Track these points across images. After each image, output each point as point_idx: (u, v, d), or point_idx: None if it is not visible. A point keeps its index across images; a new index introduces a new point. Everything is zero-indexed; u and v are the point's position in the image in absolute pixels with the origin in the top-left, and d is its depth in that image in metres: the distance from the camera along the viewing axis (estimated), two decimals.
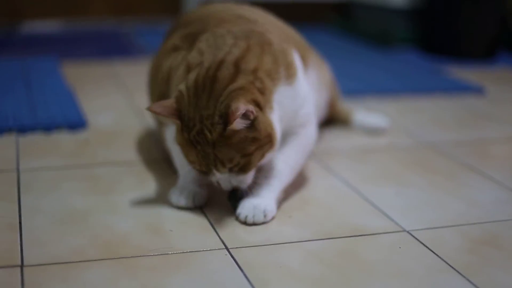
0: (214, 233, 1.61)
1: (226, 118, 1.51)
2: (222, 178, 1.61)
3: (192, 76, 1.60)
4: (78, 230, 1.59)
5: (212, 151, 1.55)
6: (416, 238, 1.63)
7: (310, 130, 1.83)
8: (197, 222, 1.67)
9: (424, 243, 1.61)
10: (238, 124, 1.52)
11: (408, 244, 1.61)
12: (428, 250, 1.58)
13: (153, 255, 1.50)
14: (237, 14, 1.85)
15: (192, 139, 1.57)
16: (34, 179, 1.88)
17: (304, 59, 1.89)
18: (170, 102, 1.59)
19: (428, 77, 3.26)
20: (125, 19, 4.23)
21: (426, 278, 1.46)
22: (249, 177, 1.63)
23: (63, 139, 2.22)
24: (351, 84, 3.01)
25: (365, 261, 1.52)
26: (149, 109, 1.58)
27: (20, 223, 1.62)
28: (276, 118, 1.64)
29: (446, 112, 2.74)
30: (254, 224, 1.65)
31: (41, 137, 2.23)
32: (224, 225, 1.65)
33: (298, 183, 1.93)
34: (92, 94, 2.67)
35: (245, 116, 1.52)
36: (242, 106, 1.49)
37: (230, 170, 1.59)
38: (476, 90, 3.04)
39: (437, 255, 1.55)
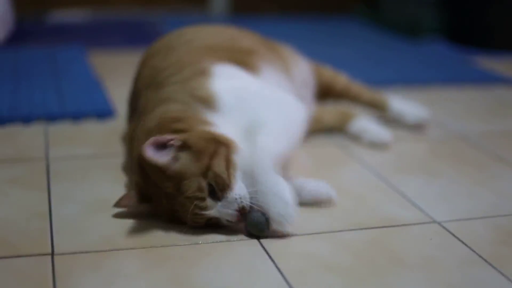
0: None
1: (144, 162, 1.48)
2: (218, 211, 1.50)
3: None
4: (108, 219, 1.59)
5: (181, 198, 1.49)
6: (447, 230, 1.62)
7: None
8: None
9: (455, 235, 1.60)
10: (159, 156, 1.47)
11: (439, 235, 1.60)
12: (459, 242, 1.57)
13: (183, 245, 1.50)
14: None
15: (168, 207, 1.52)
16: (63, 167, 1.88)
17: (248, 64, 1.84)
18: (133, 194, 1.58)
19: (457, 67, 3.24)
20: (151, 8, 4.23)
21: (457, 270, 1.45)
22: (239, 189, 1.51)
23: (91, 127, 2.22)
24: (380, 74, 3.00)
25: (396, 252, 1.51)
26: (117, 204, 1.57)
27: (50, 211, 1.62)
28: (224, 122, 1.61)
29: (476, 102, 2.72)
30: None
31: (69, 126, 2.23)
32: None
33: (328, 172, 1.93)
34: (119, 83, 2.67)
35: (161, 146, 1.48)
36: (147, 144, 1.45)
37: (213, 197, 1.50)
38: (506, 81, 3.02)
39: (468, 247, 1.54)
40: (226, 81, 1.71)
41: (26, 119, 2.25)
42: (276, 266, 1.42)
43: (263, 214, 1.50)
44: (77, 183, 1.79)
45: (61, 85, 2.62)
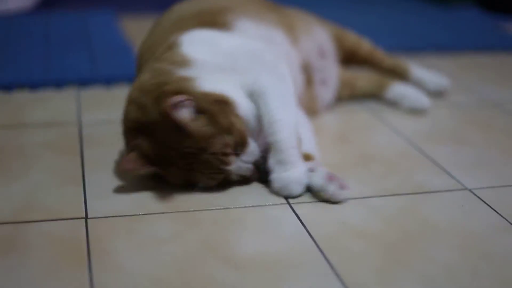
0: None
1: (172, 121, 1.47)
2: (239, 167, 1.56)
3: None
4: (140, 183, 1.60)
5: (207, 155, 1.51)
6: (478, 197, 1.62)
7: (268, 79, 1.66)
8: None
9: (487, 202, 1.59)
10: (183, 113, 1.47)
11: (470, 202, 1.60)
12: (491, 209, 1.56)
13: (215, 209, 1.51)
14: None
15: (184, 167, 1.53)
16: (96, 132, 1.90)
17: (217, 23, 1.79)
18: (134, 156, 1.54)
19: (488, 34, 3.20)
20: None
21: (489, 237, 1.45)
22: (252, 144, 1.57)
23: (123, 92, 2.22)
24: (410, 40, 2.98)
25: (427, 219, 1.51)
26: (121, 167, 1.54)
27: (83, 176, 1.64)
28: (214, 79, 1.59)
29: (507, 69, 2.70)
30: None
31: (101, 90, 2.24)
32: None
33: (359, 139, 1.93)
34: None
35: (182, 105, 1.48)
36: (170, 104, 1.45)
37: (236, 154, 1.54)
38: None
39: (500, 214, 1.54)
40: (195, 44, 1.68)
41: (58, 84, 2.27)
42: (308, 231, 1.43)
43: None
44: (110, 147, 1.80)
45: (92, 49, 2.63)
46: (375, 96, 2.24)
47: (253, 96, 1.60)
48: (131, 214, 1.47)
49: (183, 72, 1.58)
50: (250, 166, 1.57)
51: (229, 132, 1.51)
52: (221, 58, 1.64)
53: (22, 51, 2.60)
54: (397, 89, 2.22)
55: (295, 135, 1.58)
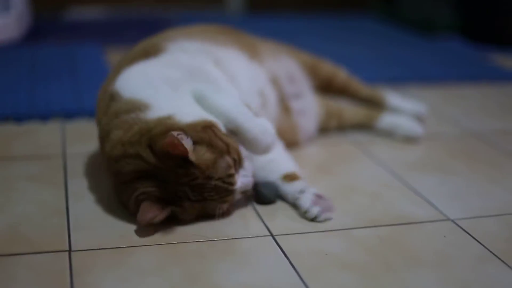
0: (259, 220, 1.62)
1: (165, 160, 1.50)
2: (241, 181, 1.58)
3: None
4: (124, 215, 1.60)
5: (215, 181, 1.52)
6: (460, 227, 1.63)
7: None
8: (243, 210, 1.67)
9: (469, 232, 1.60)
10: (187, 144, 1.48)
11: (453, 233, 1.61)
12: (473, 239, 1.57)
13: (198, 241, 1.51)
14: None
15: (196, 199, 1.53)
16: (80, 164, 1.90)
17: (152, 51, 1.79)
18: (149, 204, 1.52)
19: (472, 65, 3.23)
20: (167, 5, 4.24)
21: (471, 267, 1.46)
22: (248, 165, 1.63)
23: None
24: (394, 71, 3.00)
25: (410, 249, 1.52)
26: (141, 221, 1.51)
27: (67, 208, 1.64)
28: (179, 104, 1.60)
29: (491, 100, 2.72)
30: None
31: (86, 123, 2.25)
32: (269, 212, 1.66)
33: (342, 170, 1.94)
34: None
35: (181, 138, 1.48)
36: (169, 137, 1.46)
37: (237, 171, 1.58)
38: None
39: (482, 245, 1.55)
40: (132, 86, 1.67)
41: (44, 116, 2.27)
42: (291, 263, 1.43)
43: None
44: (94, 180, 1.80)
45: (78, 82, 2.63)
46: (364, 126, 2.26)
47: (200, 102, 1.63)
48: (115, 246, 1.47)
49: (151, 114, 1.58)
50: (250, 179, 1.60)
51: (227, 152, 1.54)
52: (162, 85, 1.65)
53: (8, 82, 2.61)
54: (388, 119, 2.25)
55: (242, 106, 1.64)
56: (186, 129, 1.51)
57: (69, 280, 1.34)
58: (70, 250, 1.46)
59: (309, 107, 2.13)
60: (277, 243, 1.51)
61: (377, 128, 2.25)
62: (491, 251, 1.52)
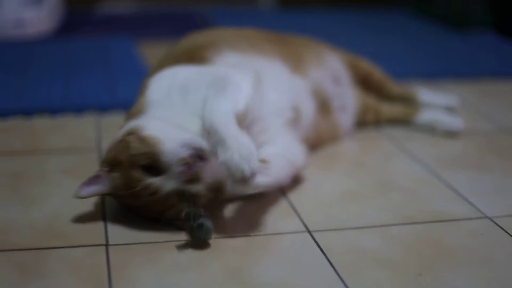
0: (296, 216, 1.61)
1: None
2: (165, 182, 1.47)
3: None
4: None
5: (148, 199, 1.48)
6: (498, 225, 1.61)
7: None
8: (279, 206, 1.67)
9: (507, 230, 1.59)
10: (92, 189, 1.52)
11: (490, 231, 1.59)
12: (511, 237, 1.56)
13: (235, 236, 1.51)
14: None
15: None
16: None
17: (195, 58, 1.77)
18: None
19: (506, 61, 3.20)
20: (200, 0, 4.24)
21: (508, 266, 1.45)
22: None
23: None
24: (428, 66, 2.98)
25: (447, 247, 1.51)
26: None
27: (103, 202, 1.64)
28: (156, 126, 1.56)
29: None
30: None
31: (121, 116, 2.25)
32: (306, 209, 1.66)
33: (378, 166, 1.93)
34: None
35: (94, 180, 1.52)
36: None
37: (152, 173, 1.48)
38: None
39: None
40: (158, 84, 1.68)
41: (78, 109, 2.28)
42: (328, 260, 1.43)
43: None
44: None
45: (111, 75, 2.64)
46: (401, 122, 2.26)
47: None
48: (152, 241, 1.47)
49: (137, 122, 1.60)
50: (185, 169, 1.45)
51: (132, 164, 1.49)
52: (174, 91, 1.63)
53: (42, 76, 2.62)
54: (427, 115, 2.26)
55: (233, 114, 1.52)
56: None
57: (107, 274, 1.35)
58: (107, 244, 1.46)
59: (348, 102, 2.13)
60: (314, 239, 1.51)
61: (417, 123, 2.25)
62: None
